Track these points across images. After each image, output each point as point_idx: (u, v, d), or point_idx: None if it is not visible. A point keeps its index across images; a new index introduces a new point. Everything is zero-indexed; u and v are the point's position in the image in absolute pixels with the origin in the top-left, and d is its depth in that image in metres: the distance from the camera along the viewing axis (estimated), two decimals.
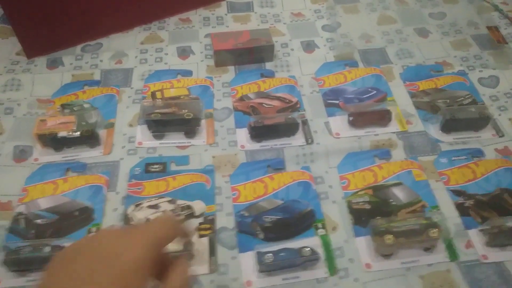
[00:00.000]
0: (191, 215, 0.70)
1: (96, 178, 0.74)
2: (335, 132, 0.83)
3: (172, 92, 0.88)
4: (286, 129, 0.82)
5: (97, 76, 0.92)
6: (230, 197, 0.73)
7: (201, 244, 0.66)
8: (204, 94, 0.89)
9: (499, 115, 0.87)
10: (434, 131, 0.84)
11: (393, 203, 0.73)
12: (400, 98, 0.90)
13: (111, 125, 0.82)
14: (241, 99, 0.88)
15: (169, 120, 0.79)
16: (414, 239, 0.65)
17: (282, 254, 0.64)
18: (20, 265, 0.62)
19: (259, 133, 0.80)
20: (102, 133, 0.80)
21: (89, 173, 0.75)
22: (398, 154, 0.80)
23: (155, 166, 0.76)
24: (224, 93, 0.90)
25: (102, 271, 0.40)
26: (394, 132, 0.83)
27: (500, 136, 0.83)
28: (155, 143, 0.80)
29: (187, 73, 0.93)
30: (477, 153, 0.80)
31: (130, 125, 0.83)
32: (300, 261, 0.64)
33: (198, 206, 0.71)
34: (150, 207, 0.70)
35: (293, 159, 0.79)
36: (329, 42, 1.03)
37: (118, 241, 0.43)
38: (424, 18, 1.10)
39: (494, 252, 0.67)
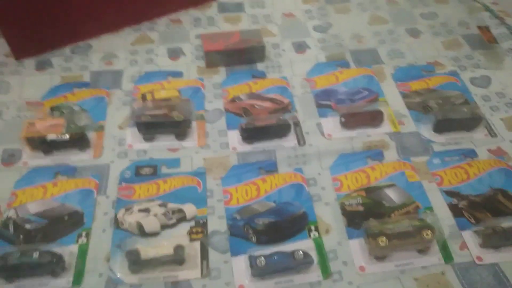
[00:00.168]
0: (183, 219, 0.69)
1: (86, 181, 0.73)
2: (327, 133, 0.83)
3: (162, 94, 0.87)
4: (278, 131, 0.81)
5: (86, 78, 0.91)
6: (222, 200, 0.72)
7: (192, 248, 0.65)
8: (195, 96, 0.88)
9: (491, 115, 0.87)
10: (427, 131, 0.83)
11: (386, 204, 0.72)
12: (392, 99, 0.90)
13: (101, 128, 0.81)
14: (233, 100, 0.87)
15: (159, 122, 0.78)
16: (408, 241, 0.65)
17: (274, 257, 0.63)
18: (8, 271, 0.61)
19: (251, 134, 0.80)
20: (91, 135, 0.79)
21: (79, 177, 0.74)
22: (391, 155, 0.80)
23: (145, 169, 0.75)
24: (215, 94, 0.89)
25: None
26: (386, 133, 0.83)
27: (492, 136, 0.83)
28: (146, 145, 0.79)
29: (178, 74, 0.92)
30: (470, 154, 0.80)
31: (120, 128, 0.82)
32: (293, 264, 0.63)
33: (190, 209, 0.70)
34: (141, 210, 0.69)
35: (285, 161, 0.78)
36: (321, 43, 1.02)
37: None
38: (415, 18, 1.10)
39: (489, 253, 0.67)
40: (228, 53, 0.93)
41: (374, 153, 0.80)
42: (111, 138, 0.80)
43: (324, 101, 0.88)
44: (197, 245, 0.66)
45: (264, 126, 0.80)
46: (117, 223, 0.68)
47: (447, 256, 0.66)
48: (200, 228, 0.68)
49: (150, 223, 0.67)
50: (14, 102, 0.85)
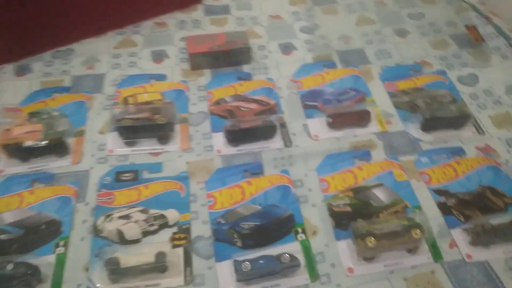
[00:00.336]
0: (165, 225, 0.67)
1: (64, 189, 0.71)
2: (314, 134, 0.81)
3: (145, 97, 0.85)
4: (264, 132, 0.79)
5: (67, 83, 0.89)
6: (205, 205, 0.70)
7: (175, 255, 0.63)
8: (179, 99, 0.86)
9: (479, 113, 0.86)
10: (414, 130, 0.82)
11: (374, 204, 0.71)
12: (380, 98, 0.88)
13: (81, 133, 0.79)
14: (217, 102, 0.86)
15: (140, 126, 0.76)
16: (396, 241, 0.63)
17: (260, 262, 0.61)
18: None
19: (236, 137, 0.78)
20: (71, 141, 0.77)
21: (57, 184, 0.72)
22: (378, 154, 0.78)
23: (126, 175, 0.73)
24: (199, 97, 0.87)
25: None
26: (373, 133, 0.82)
27: (480, 134, 0.82)
28: (127, 150, 0.77)
29: (161, 77, 0.91)
30: (458, 152, 0.79)
31: (101, 133, 0.80)
32: (280, 268, 0.61)
33: (172, 215, 0.68)
34: (121, 217, 0.67)
35: (271, 163, 0.76)
36: (307, 44, 1.01)
37: None
38: (403, 19, 1.09)
39: (479, 251, 0.65)
40: (213, 55, 0.91)
41: (362, 153, 0.78)
42: (91, 144, 0.78)
43: (311, 102, 0.87)
44: (180, 251, 0.64)
45: (249, 128, 0.78)
46: (96, 231, 0.66)
47: (437, 255, 0.65)
48: (183, 234, 0.66)
49: (131, 230, 0.65)
50: None
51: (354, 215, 0.69)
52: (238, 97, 0.87)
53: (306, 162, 0.77)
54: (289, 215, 0.69)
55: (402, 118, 0.84)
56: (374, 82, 0.92)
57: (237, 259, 0.62)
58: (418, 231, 0.63)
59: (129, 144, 0.77)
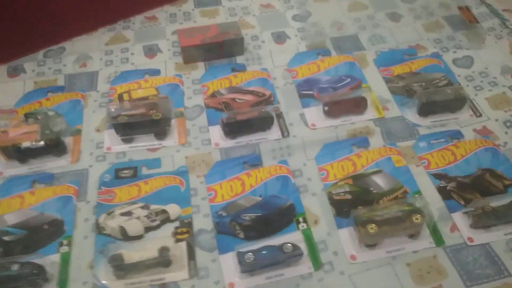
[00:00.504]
0: (167, 220, 0.67)
1: (64, 188, 0.70)
2: (311, 123, 0.81)
3: (139, 93, 0.84)
4: (261, 124, 0.79)
5: (61, 82, 0.88)
6: (206, 198, 0.70)
7: (178, 249, 0.63)
8: (174, 93, 0.85)
9: (476, 95, 0.86)
10: (411, 115, 0.82)
11: (374, 191, 0.71)
12: (375, 84, 0.88)
13: (78, 132, 0.79)
14: (213, 95, 0.86)
15: (137, 122, 0.75)
16: (397, 227, 0.63)
17: (263, 252, 0.62)
18: None
19: (233, 129, 0.78)
20: (68, 140, 0.77)
21: (57, 184, 0.71)
22: (376, 141, 0.78)
23: (125, 171, 0.73)
24: (194, 90, 0.87)
25: None
26: (370, 119, 0.82)
27: (477, 116, 0.82)
28: (125, 147, 0.77)
29: (155, 72, 0.90)
30: (456, 135, 0.79)
31: (98, 130, 0.79)
32: (283, 258, 0.62)
33: (173, 209, 0.68)
34: (123, 214, 0.67)
35: (269, 154, 0.76)
36: (300, 32, 1.00)
37: None
38: (395, 2, 1.09)
39: (480, 233, 0.66)
40: (205, 48, 0.91)
41: (359, 140, 0.78)
42: (89, 142, 0.78)
43: (307, 90, 0.87)
44: (183, 245, 0.64)
45: (246, 119, 0.78)
46: (99, 229, 0.66)
47: (438, 239, 0.65)
48: (185, 228, 0.66)
49: (133, 226, 0.65)
50: None
51: (355, 203, 0.69)
52: (233, 89, 0.87)
53: (305, 151, 0.77)
54: (290, 205, 0.69)
55: (399, 103, 0.84)
56: (369, 68, 0.92)
57: (240, 250, 0.62)
58: (418, 216, 0.63)
59: (127, 141, 0.77)
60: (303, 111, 0.83)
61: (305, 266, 0.63)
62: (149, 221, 0.66)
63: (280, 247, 0.62)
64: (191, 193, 0.71)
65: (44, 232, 0.66)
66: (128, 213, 0.67)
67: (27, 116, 0.81)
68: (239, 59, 0.93)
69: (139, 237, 0.65)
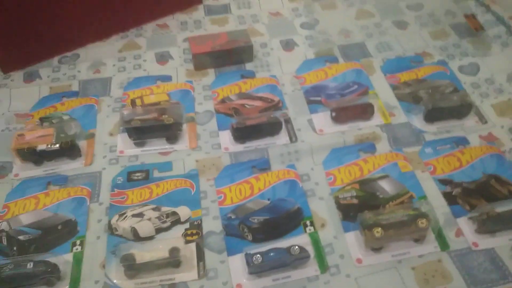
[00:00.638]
0: (177, 221, 0.69)
1: (78, 190, 0.73)
2: (319, 129, 0.83)
3: (152, 98, 0.86)
4: (269, 129, 0.81)
5: (75, 87, 0.91)
6: (215, 201, 0.72)
7: (188, 250, 0.65)
8: (185, 99, 0.88)
9: (481, 101, 0.87)
10: (418, 121, 0.83)
11: (380, 196, 0.72)
12: (382, 91, 0.90)
13: (92, 136, 0.81)
14: (223, 101, 0.87)
15: (149, 127, 0.77)
16: (403, 231, 0.64)
17: (271, 254, 0.63)
18: (3, 283, 0.60)
19: (242, 134, 0.79)
20: (82, 144, 0.79)
21: (71, 185, 0.74)
22: (383, 146, 0.80)
23: (137, 174, 0.74)
24: (205, 96, 0.89)
25: None
26: (377, 125, 0.83)
27: (483, 123, 0.83)
28: (137, 150, 0.79)
29: (167, 78, 0.92)
30: (462, 141, 0.80)
31: (111, 134, 0.82)
32: (290, 260, 0.63)
33: (183, 211, 0.70)
34: (135, 215, 0.68)
35: (278, 158, 0.78)
36: (308, 40, 1.02)
37: None
38: (402, 10, 1.10)
39: (485, 238, 0.67)
40: (216, 55, 0.93)
41: (366, 145, 0.80)
42: (102, 145, 0.80)
43: (314, 97, 0.88)
44: (192, 246, 0.66)
45: (255, 124, 0.80)
46: (111, 230, 0.68)
47: (443, 244, 0.66)
48: (195, 230, 0.68)
49: (144, 228, 0.67)
50: (3, 115, 0.85)
51: (361, 207, 0.70)
52: (242, 95, 0.89)
53: (312, 156, 0.78)
54: (297, 208, 0.71)
55: (405, 110, 0.86)
56: (376, 75, 0.93)
57: (248, 252, 0.63)
58: (424, 220, 0.64)
59: (139, 144, 0.79)
60: (311, 117, 0.85)
61: (311, 268, 0.64)
62: (160, 222, 0.68)
63: (288, 250, 0.63)
64: (201, 195, 0.73)
65: (58, 232, 0.68)
66: (140, 215, 0.69)
67: (42, 120, 0.83)
68: (249, 66, 0.95)
69: (150, 238, 0.67)
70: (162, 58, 0.97)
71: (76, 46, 0.99)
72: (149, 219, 0.68)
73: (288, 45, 1.01)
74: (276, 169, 0.76)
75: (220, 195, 0.73)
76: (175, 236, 0.67)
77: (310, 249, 0.65)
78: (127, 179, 0.74)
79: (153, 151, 0.79)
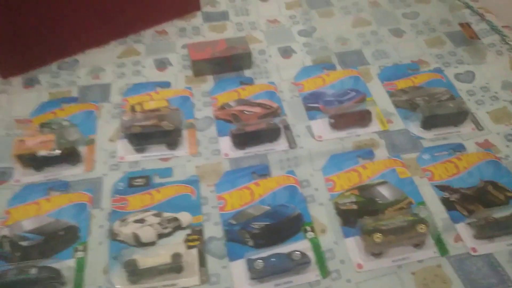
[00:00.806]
0: (178, 227, 0.69)
1: (80, 196, 0.73)
2: (317, 135, 0.83)
3: (151, 105, 0.87)
4: (269, 135, 0.82)
5: (74, 93, 0.91)
6: (216, 207, 0.72)
7: (190, 255, 0.65)
8: (184, 105, 0.88)
9: (477, 109, 0.89)
10: (415, 128, 0.85)
11: (379, 201, 0.73)
12: (379, 98, 0.91)
13: (92, 141, 0.81)
14: (222, 107, 0.88)
15: (149, 133, 0.78)
16: (403, 236, 0.65)
17: (272, 259, 0.63)
18: None
19: (242, 140, 0.80)
20: (83, 150, 0.79)
21: (72, 191, 0.74)
22: (381, 153, 0.81)
23: (138, 180, 0.75)
24: (204, 102, 0.89)
25: None
26: (375, 132, 0.84)
27: (479, 130, 0.85)
28: (137, 156, 0.79)
29: (166, 84, 0.93)
30: (459, 148, 0.81)
31: (111, 140, 0.82)
32: (291, 265, 0.64)
33: (185, 217, 0.70)
34: (136, 221, 0.69)
35: (277, 164, 0.79)
36: (306, 47, 1.03)
37: None
38: (398, 19, 1.12)
39: (483, 244, 0.68)
40: (215, 61, 0.94)
41: (365, 152, 0.81)
42: (102, 151, 0.80)
43: (313, 103, 0.89)
44: (194, 252, 0.66)
45: (254, 131, 0.80)
46: (113, 235, 0.68)
47: (442, 249, 0.67)
48: (196, 236, 0.68)
49: (146, 233, 0.67)
50: (3, 121, 0.85)
51: (361, 213, 0.71)
52: (241, 101, 0.89)
53: (312, 162, 0.79)
54: (298, 214, 0.71)
55: (403, 117, 0.87)
56: (373, 82, 0.95)
57: (250, 257, 0.64)
58: (423, 225, 0.65)
59: (139, 150, 0.79)
60: (309, 123, 0.86)
61: (312, 274, 0.65)
62: (161, 228, 0.68)
63: (289, 255, 0.64)
64: (202, 201, 0.73)
65: (60, 238, 0.68)
66: (141, 220, 0.69)
67: (42, 125, 0.83)
68: (247, 73, 0.96)
69: (151, 244, 0.67)
70: (161, 65, 0.98)
71: (75, 52, 0.99)
72: (151, 225, 0.68)
73: (286, 52, 1.02)
74: (275, 175, 0.77)
75: (221, 200, 0.73)
76: (176, 242, 0.67)
77: (311, 254, 0.66)
78: (128, 185, 0.74)
79: (153, 157, 0.79)
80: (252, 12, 1.13)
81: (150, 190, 0.74)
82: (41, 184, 0.75)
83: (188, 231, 0.69)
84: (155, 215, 0.70)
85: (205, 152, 0.80)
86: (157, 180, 0.76)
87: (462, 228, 0.70)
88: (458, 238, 0.69)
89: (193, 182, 0.75)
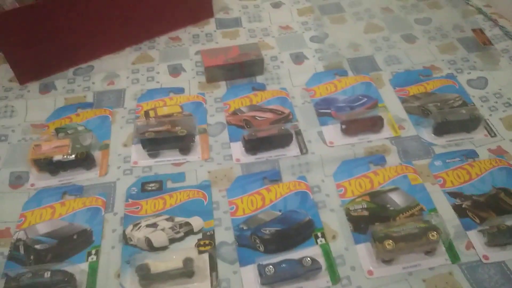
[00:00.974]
0: (190, 232, 0.70)
1: (93, 200, 0.74)
2: (329, 141, 0.84)
3: (165, 110, 0.88)
4: (280, 141, 0.82)
5: (89, 99, 0.92)
6: (228, 212, 0.73)
7: (201, 260, 0.66)
8: (197, 110, 0.89)
9: (490, 115, 0.88)
10: (427, 134, 0.84)
11: (391, 208, 0.73)
12: (391, 104, 0.91)
13: (106, 146, 0.83)
14: (234, 113, 0.89)
15: (163, 138, 0.79)
16: (414, 243, 0.65)
17: (283, 265, 0.64)
18: None
19: (254, 145, 0.81)
20: (97, 154, 0.80)
21: (86, 196, 0.75)
22: (393, 159, 0.81)
23: (151, 185, 0.76)
24: (216, 108, 0.90)
25: None
26: (387, 138, 0.84)
27: (492, 136, 0.84)
28: (150, 161, 0.80)
29: (179, 90, 0.94)
30: (471, 154, 0.81)
31: (125, 145, 0.83)
32: (302, 271, 0.64)
33: (196, 222, 0.71)
34: (149, 226, 0.70)
35: (288, 170, 0.79)
36: (318, 53, 1.04)
37: None
38: (410, 24, 1.12)
39: (495, 252, 0.67)
40: (228, 68, 0.95)
41: (376, 158, 0.81)
42: (116, 156, 0.81)
43: (324, 109, 0.90)
44: (205, 257, 0.67)
45: (266, 136, 0.81)
46: (125, 239, 0.69)
47: (454, 257, 0.67)
48: (207, 240, 0.69)
49: (158, 238, 0.68)
50: (19, 126, 0.87)
51: (372, 219, 0.71)
52: (253, 107, 0.90)
53: (323, 168, 0.79)
54: (309, 220, 0.72)
55: (414, 123, 0.87)
56: (385, 88, 0.95)
57: (260, 263, 0.64)
58: (435, 233, 0.65)
59: (153, 155, 0.80)
60: (321, 129, 0.86)
61: (323, 280, 0.65)
62: (173, 233, 0.69)
63: (300, 261, 0.64)
64: (214, 206, 0.74)
65: (74, 242, 0.69)
66: (154, 225, 0.70)
67: (58, 130, 0.85)
68: (259, 79, 0.97)
69: (164, 248, 0.68)
70: (175, 71, 0.99)
71: (90, 58, 1.01)
72: (163, 229, 0.69)
73: (298, 58, 1.02)
74: (287, 180, 0.77)
75: (232, 206, 0.74)
76: (188, 247, 0.68)
77: (321, 260, 0.66)
78: (141, 189, 0.75)
79: (166, 162, 0.80)
80: (265, 18, 1.14)
81: (162, 195, 0.74)
82: (56, 188, 0.76)
83: (199, 236, 0.70)
84: (168, 219, 0.71)
85: (217, 157, 0.81)
86: (170, 184, 0.76)
87: (474, 236, 0.69)
88: (469, 246, 0.68)
89: (205, 187, 0.76)
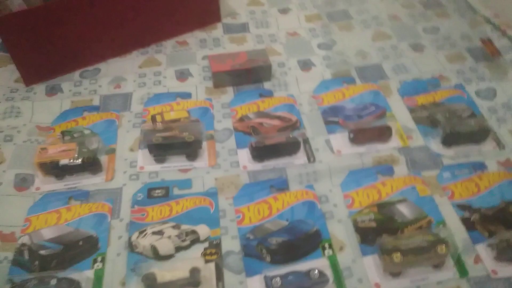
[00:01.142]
0: (196, 240, 0.69)
1: (100, 206, 0.73)
2: (337, 150, 0.83)
3: (172, 115, 0.87)
4: (288, 148, 0.81)
5: (96, 102, 0.92)
6: (234, 220, 0.72)
7: (207, 269, 0.65)
8: (204, 116, 0.89)
9: (499, 127, 0.87)
10: (435, 145, 0.84)
11: (398, 220, 0.72)
12: (399, 113, 0.90)
13: (112, 151, 0.82)
14: (241, 119, 0.88)
15: (170, 144, 0.78)
16: (422, 256, 0.64)
17: (290, 277, 0.63)
18: None
19: (261, 153, 0.80)
20: (103, 159, 0.80)
21: (92, 201, 0.74)
22: (401, 170, 0.80)
23: (157, 191, 0.75)
24: (224, 114, 0.90)
25: None
26: (395, 148, 0.83)
27: (501, 148, 0.84)
28: (157, 167, 0.79)
29: (186, 95, 0.93)
30: (479, 166, 0.80)
31: (131, 150, 0.83)
32: (309, 284, 0.63)
33: (203, 230, 0.70)
34: (155, 233, 0.69)
35: (296, 178, 0.78)
36: (326, 60, 1.03)
37: None
38: (418, 33, 1.11)
39: (504, 266, 0.66)
40: (235, 73, 0.94)
41: (384, 168, 0.80)
42: (123, 161, 0.81)
43: (332, 117, 0.89)
44: (212, 266, 0.66)
45: (273, 144, 0.80)
46: (131, 247, 0.68)
47: (462, 271, 0.66)
48: (214, 249, 0.68)
49: (164, 246, 0.67)
50: (25, 127, 0.86)
51: (379, 231, 0.70)
52: (261, 114, 0.89)
53: (330, 177, 0.79)
54: (316, 230, 0.71)
55: (423, 133, 0.86)
56: (393, 97, 0.94)
57: (267, 274, 0.64)
58: (443, 246, 0.64)
59: (159, 161, 0.80)
60: (328, 137, 0.85)
61: None
62: (179, 241, 0.68)
63: (307, 273, 0.64)
64: (220, 214, 0.73)
65: (79, 248, 0.68)
66: (160, 232, 0.69)
67: (64, 133, 0.84)
68: (267, 85, 0.97)
69: (169, 257, 0.67)
70: (182, 75, 0.98)
71: (97, 61, 1.00)
72: (169, 237, 0.68)
73: (306, 65, 1.02)
74: (294, 189, 0.77)
75: (239, 214, 0.73)
76: (194, 256, 0.67)
77: (329, 272, 0.65)
78: (147, 195, 0.75)
79: (172, 167, 0.79)
80: (272, 24, 1.14)
81: (169, 202, 0.74)
82: (62, 192, 0.75)
83: (206, 245, 0.69)
84: (174, 227, 0.70)
85: (224, 164, 0.81)
86: (176, 191, 0.76)
87: (482, 249, 0.68)
88: (478, 260, 0.68)
89: (211, 194, 0.75)
